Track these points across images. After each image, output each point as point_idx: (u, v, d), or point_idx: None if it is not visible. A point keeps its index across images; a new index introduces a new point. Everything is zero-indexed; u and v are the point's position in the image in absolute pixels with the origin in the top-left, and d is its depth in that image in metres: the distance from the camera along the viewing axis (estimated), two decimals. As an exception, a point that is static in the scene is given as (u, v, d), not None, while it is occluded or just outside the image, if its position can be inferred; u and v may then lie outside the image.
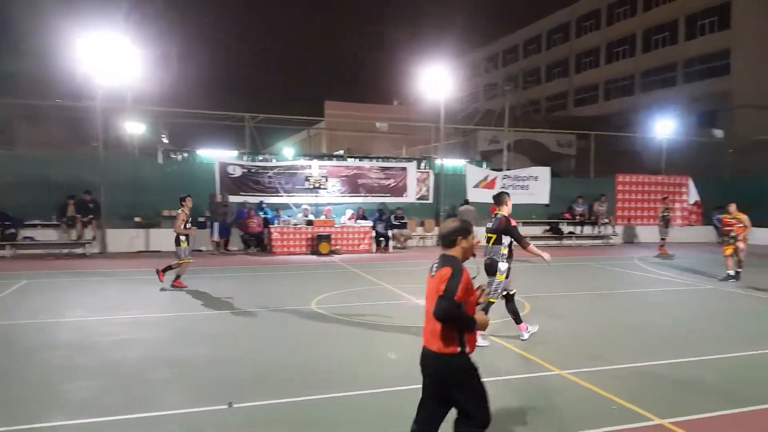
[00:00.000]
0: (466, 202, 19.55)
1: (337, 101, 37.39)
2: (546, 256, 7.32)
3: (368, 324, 8.41)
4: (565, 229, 21.10)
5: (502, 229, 7.14)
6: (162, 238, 17.54)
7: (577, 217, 21.40)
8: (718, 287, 12.06)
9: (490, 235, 7.26)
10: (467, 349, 3.51)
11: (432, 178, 20.23)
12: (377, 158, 20.99)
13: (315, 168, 18.59)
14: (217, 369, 6.25)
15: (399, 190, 19.55)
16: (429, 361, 3.51)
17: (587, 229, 21.51)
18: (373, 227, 18.17)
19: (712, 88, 35.25)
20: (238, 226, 17.74)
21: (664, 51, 38.92)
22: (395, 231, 18.67)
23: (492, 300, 7.22)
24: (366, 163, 19.91)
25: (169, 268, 11.24)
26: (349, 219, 18.26)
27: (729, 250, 12.60)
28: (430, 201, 20.15)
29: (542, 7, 55.90)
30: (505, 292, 7.40)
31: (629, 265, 15.77)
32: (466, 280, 3.44)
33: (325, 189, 18.18)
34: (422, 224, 20.20)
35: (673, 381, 5.99)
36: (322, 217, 18.00)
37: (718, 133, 25.87)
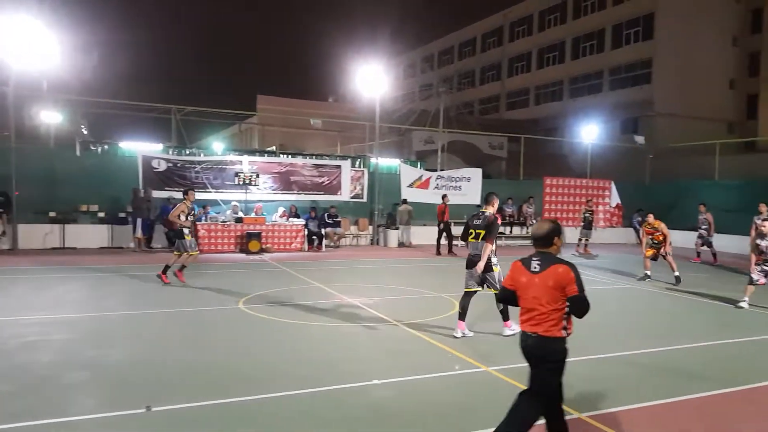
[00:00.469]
0: (405, 202, 19.67)
1: (270, 96, 36.69)
2: (481, 265, 7.54)
3: (298, 324, 8.22)
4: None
5: (490, 223, 7.61)
6: (79, 235, 16.67)
7: (507, 218, 21.90)
8: (636, 286, 12.61)
9: (479, 231, 7.66)
10: (569, 332, 3.95)
11: (366, 176, 20.17)
12: (311, 155, 20.72)
13: (245, 164, 18.13)
14: (136, 371, 5.96)
15: (333, 188, 19.37)
16: (535, 344, 3.92)
17: (516, 230, 22.06)
18: (306, 225, 17.91)
19: (634, 96, 36.99)
20: (163, 223, 17.07)
21: (591, 59, 40.49)
22: (328, 230, 18.48)
23: (496, 291, 7.54)
24: (299, 160, 19.59)
25: (167, 267, 11.08)
26: (281, 217, 17.92)
27: (650, 252, 13.19)
28: (365, 200, 20.08)
29: (477, 11, 57.01)
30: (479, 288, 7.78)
31: (555, 264, 16.23)
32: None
33: (255, 185, 17.75)
34: (356, 223, 20.11)
35: (592, 377, 6.20)
36: (253, 215, 17.58)
37: (640, 139, 27.20)
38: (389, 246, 19.35)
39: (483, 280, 7.69)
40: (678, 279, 12.71)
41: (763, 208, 14.21)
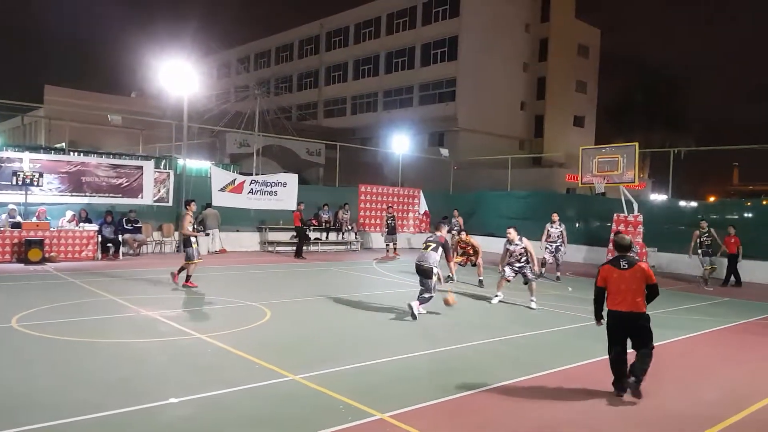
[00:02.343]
0: (209, 206, 18.58)
1: (60, 87, 32.42)
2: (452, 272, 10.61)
3: (84, 342, 7.27)
4: (312, 235, 21.41)
5: (442, 244, 9.75)
6: None
7: (324, 224, 21.91)
8: (439, 287, 13.22)
9: (429, 244, 9.78)
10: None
11: (173, 178, 18.67)
12: (107, 154, 18.65)
13: (26, 161, 15.73)
14: None
15: (133, 191, 17.59)
16: (632, 317, 5.76)
17: (332, 236, 22.14)
18: (99, 231, 16.02)
19: (441, 112, 39.67)
20: None
21: (403, 74, 42.60)
22: (127, 236, 16.73)
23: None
24: (93, 159, 17.44)
25: (182, 269, 11.75)
26: (69, 221, 15.83)
27: (459, 259, 14.19)
28: (170, 204, 18.54)
29: (294, 17, 56.88)
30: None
31: (367, 269, 16.55)
32: None
33: (38, 186, 15.48)
34: (160, 229, 18.50)
35: (393, 377, 6.34)
36: (34, 219, 15.29)
37: (445, 152, 29.04)
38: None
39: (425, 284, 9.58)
40: (481, 282, 13.74)
41: (555, 217, 15.73)
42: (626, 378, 5.85)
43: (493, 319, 10.07)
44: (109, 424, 4.71)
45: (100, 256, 15.94)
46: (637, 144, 17.29)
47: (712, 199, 36.63)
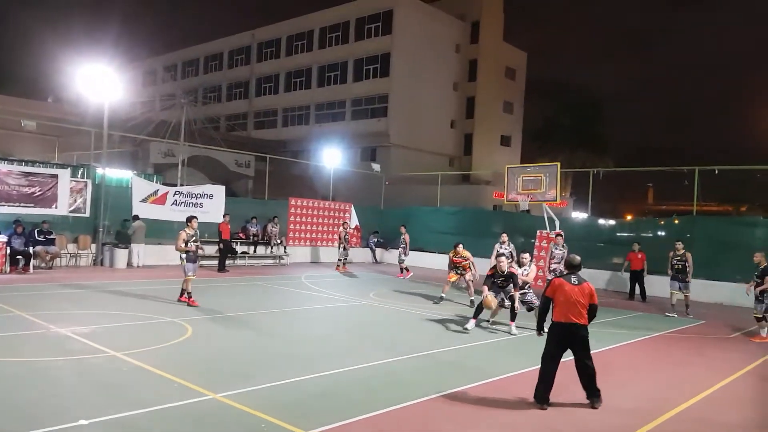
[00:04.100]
0: (137, 218, 17.75)
1: (-33, 88, 30.26)
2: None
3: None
4: (240, 248, 20.90)
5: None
6: None
7: (252, 237, 21.44)
8: (370, 303, 13.25)
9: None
10: None
11: (90, 188, 17.72)
12: (18, 161, 17.54)
13: (-75, 166, 14.55)
14: None
15: (47, 201, 16.55)
16: (577, 329, 6.20)
17: (261, 249, 21.70)
18: (8, 243, 14.96)
19: (373, 127, 39.93)
20: None
21: (335, 88, 42.63)
22: (39, 248, 15.71)
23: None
24: (2, 166, 16.33)
25: (186, 292, 11.56)
26: (-26, 232, 14.73)
27: (453, 278, 13.59)
28: (87, 214, 17.57)
29: (224, 25, 55.84)
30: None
31: (297, 284, 16.30)
32: None
33: (-61, 194, 14.33)
34: (76, 241, 17.51)
35: (317, 394, 6.24)
36: (-68, 229, 14.13)
37: (377, 167, 29.16)
38: (116, 267, 17.27)
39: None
40: (473, 302, 12.79)
41: (504, 237, 15.22)
42: (550, 392, 6.17)
43: (419, 335, 10.11)
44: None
45: (8, 269, 14.89)
46: (559, 164, 17.94)
47: (629, 217, 38.65)
